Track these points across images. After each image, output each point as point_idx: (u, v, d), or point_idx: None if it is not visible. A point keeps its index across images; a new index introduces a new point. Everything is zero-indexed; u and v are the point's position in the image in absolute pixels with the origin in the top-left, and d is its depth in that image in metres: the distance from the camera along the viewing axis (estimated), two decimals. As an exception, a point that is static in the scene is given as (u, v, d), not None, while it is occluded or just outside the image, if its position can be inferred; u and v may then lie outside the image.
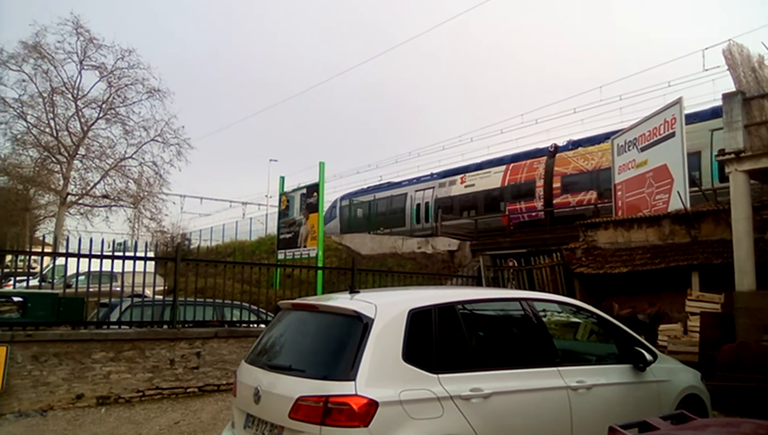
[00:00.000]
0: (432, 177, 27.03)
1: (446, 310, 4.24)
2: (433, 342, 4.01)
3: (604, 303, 12.03)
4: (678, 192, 12.38)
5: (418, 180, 27.80)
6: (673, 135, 12.93)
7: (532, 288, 14.29)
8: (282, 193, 19.41)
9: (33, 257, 15.93)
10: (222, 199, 64.17)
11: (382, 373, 3.68)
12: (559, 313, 5.54)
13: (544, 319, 4.94)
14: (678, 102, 13.02)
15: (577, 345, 5.80)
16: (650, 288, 11.97)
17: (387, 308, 4.00)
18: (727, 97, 9.89)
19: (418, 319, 4.01)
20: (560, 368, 4.52)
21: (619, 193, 15.20)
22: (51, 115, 23.68)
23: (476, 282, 15.89)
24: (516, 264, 16.09)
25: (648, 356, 5.11)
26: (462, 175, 24.82)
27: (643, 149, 14.22)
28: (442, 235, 22.04)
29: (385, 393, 3.58)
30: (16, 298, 8.09)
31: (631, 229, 13.14)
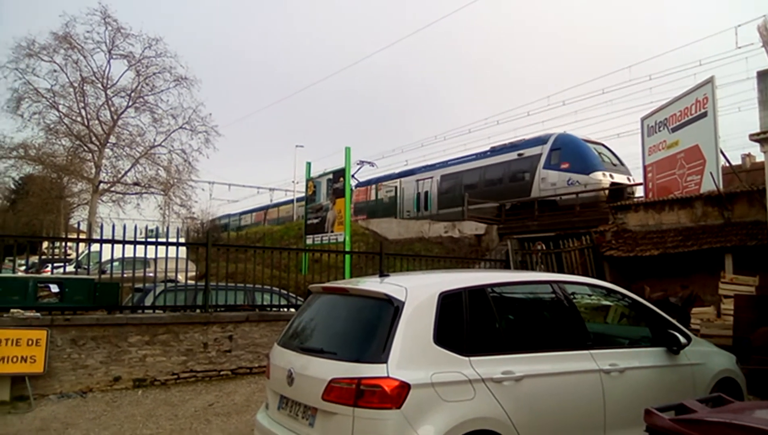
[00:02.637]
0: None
1: (477, 292, 4.24)
2: (464, 325, 4.02)
3: (635, 286, 11.88)
4: (710, 173, 12.13)
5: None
6: (705, 115, 12.64)
7: (560, 271, 14.17)
8: (309, 179, 19.51)
9: (68, 244, 16.37)
10: (250, 186, 65.01)
11: (413, 355, 3.71)
12: (589, 295, 5.50)
13: (575, 302, 4.90)
14: (710, 81, 12.71)
15: (609, 328, 5.76)
16: (682, 271, 11.78)
17: (417, 291, 4.01)
18: (761, 74, 9.62)
19: (448, 301, 4.02)
20: (592, 351, 4.50)
21: (649, 174, 14.94)
22: (82, 104, 24.04)
23: (504, 265, 15.83)
24: (544, 247, 15.95)
25: (682, 339, 5.05)
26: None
27: (673, 130, 13.93)
28: (469, 218, 21.91)
29: (417, 375, 3.61)
30: (53, 286, 8.32)
31: (662, 211, 12.92)
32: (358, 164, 27.20)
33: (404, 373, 3.57)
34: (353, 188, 26.41)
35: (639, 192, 18.74)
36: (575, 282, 5.30)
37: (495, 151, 23.53)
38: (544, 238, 16.68)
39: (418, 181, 26.97)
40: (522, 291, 4.87)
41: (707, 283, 11.10)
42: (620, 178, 18.79)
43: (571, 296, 4.85)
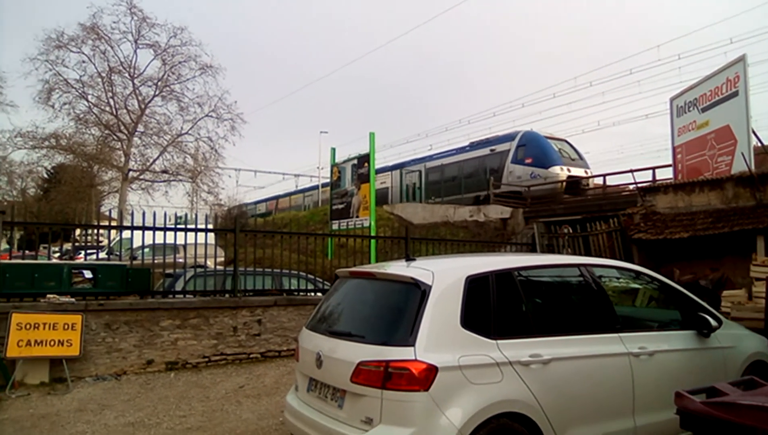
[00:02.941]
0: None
1: (503, 276, 4.24)
2: (491, 308, 4.02)
3: (664, 269, 11.74)
4: (742, 153, 11.87)
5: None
6: (736, 94, 12.34)
7: (588, 255, 14.04)
8: (333, 165, 19.60)
9: (100, 231, 16.76)
10: (275, 172, 65.49)
11: (440, 338, 3.73)
12: (617, 278, 5.45)
13: (603, 285, 4.87)
14: (741, 59, 12.38)
15: (638, 311, 5.71)
16: (712, 253, 11.59)
17: (444, 275, 4.03)
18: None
19: (475, 285, 4.02)
20: (621, 334, 4.48)
21: (678, 156, 14.67)
22: (110, 94, 24.39)
23: (530, 249, 15.73)
24: (571, 230, 15.81)
25: (713, 322, 4.99)
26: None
27: (703, 110, 13.64)
28: (495, 202, 21.86)
29: (444, 358, 3.63)
30: (86, 272, 8.55)
31: (692, 193, 12.69)
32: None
33: (432, 356, 3.60)
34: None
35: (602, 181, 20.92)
36: (603, 265, 5.25)
37: (473, 146, 25.61)
38: (570, 222, 16.54)
39: (407, 173, 28.78)
40: (549, 274, 4.85)
41: (738, 265, 10.91)
42: (577, 172, 20.90)
43: (599, 279, 4.82)
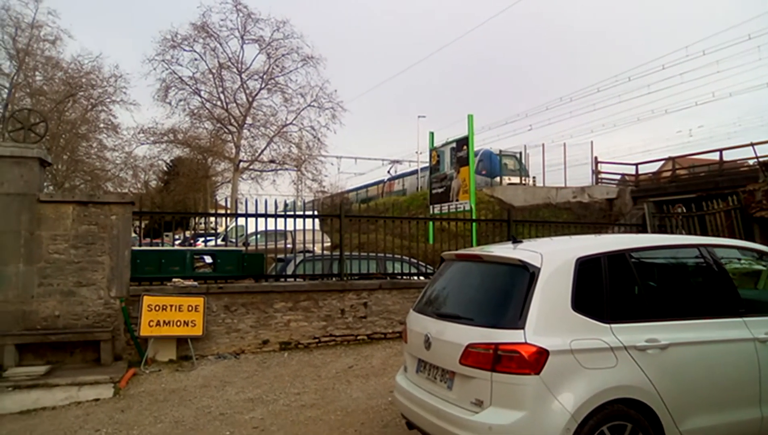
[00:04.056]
0: None
1: (616, 257, 4.11)
2: (604, 291, 3.92)
3: (793, 250, 10.85)
4: None
5: None
6: None
7: (704, 235, 13.23)
8: (432, 149, 19.57)
9: (216, 218, 17.89)
10: (375, 158, 66.15)
11: (550, 321, 3.69)
12: (739, 259, 5.13)
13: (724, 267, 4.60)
14: None
15: (763, 294, 5.34)
16: None
17: (553, 257, 3.97)
18: None
19: (586, 267, 3.93)
20: (745, 319, 4.23)
21: (810, 126, 13.43)
22: (220, 89, 25.84)
23: (640, 230, 15.05)
24: (684, 210, 14.94)
25: None
26: None
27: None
28: (600, 182, 21.09)
29: (555, 342, 3.59)
30: (206, 257, 9.16)
31: (827, 167, 11.61)
32: (389, 163, 39.43)
33: (542, 340, 3.57)
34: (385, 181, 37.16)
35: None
36: (723, 245, 4.95)
37: None
38: (684, 200, 15.64)
39: (420, 178, 33.71)
40: (665, 255, 4.64)
41: None
42: (515, 180, 26.57)
43: (721, 260, 4.56)
